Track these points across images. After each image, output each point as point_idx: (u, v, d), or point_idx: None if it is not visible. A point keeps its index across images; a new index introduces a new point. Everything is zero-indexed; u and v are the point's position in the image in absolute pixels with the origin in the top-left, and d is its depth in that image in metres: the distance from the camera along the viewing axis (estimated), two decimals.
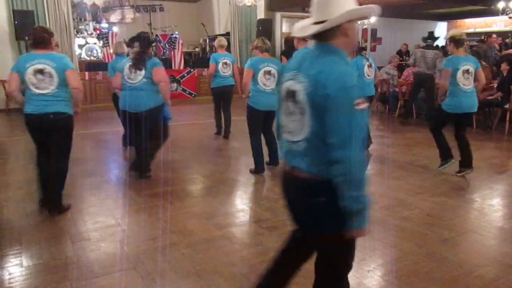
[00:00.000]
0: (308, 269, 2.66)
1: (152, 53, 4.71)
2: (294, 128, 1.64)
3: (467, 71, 4.37)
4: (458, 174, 4.58)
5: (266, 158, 4.83)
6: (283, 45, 12.99)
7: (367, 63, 5.77)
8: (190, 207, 3.78)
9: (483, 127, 7.13)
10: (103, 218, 3.53)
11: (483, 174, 4.74)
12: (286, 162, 1.74)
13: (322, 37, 1.62)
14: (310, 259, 1.85)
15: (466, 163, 4.58)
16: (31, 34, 3.57)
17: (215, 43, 6.80)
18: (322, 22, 1.59)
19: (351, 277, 2.61)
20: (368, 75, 5.77)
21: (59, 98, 3.45)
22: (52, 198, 3.57)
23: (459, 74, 4.36)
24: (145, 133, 4.28)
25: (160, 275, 2.62)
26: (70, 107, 3.55)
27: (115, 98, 5.67)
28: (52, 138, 3.49)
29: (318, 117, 1.54)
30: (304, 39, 5.23)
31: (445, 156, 4.71)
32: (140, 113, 4.22)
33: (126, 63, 4.32)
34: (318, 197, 1.61)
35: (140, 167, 4.49)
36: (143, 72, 4.20)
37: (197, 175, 4.76)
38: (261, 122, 4.70)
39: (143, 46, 4.25)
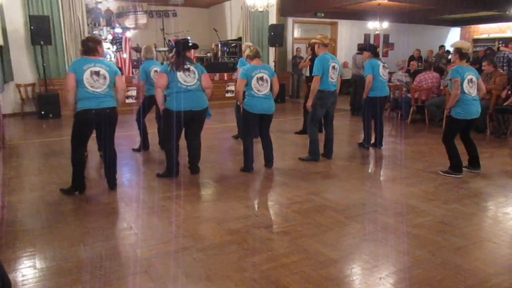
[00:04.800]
0: (319, 275, 2.65)
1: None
2: None
3: (470, 80, 4.63)
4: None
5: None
6: (294, 50, 13.02)
7: (382, 64, 6.07)
8: (201, 212, 3.79)
9: (497, 134, 7.04)
10: (115, 222, 3.56)
11: (498, 181, 4.67)
12: None
13: None
14: None
15: (476, 164, 4.90)
16: (82, 44, 4.19)
17: (243, 48, 6.59)
18: None
19: (362, 284, 2.60)
20: (384, 75, 6.06)
21: (110, 96, 4.11)
22: (111, 176, 4.33)
23: (465, 83, 4.60)
24: (199, 130, 4.81)
25: (172, 279, 2.63)
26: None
27: (146, 101, 5.81)
28: (106, 129, 4.14)
29: None
30: (324, 45, 5.33)
31: (456, 167, 4.81)
32: (201, 111, 4.60)
33: (168, 67, 4.49)
34: None
35: (195, 166, 4.94)
36: (197, 75, 4.53)
37: (208, 179, 4.78)
38: (255, 125, 4.95)
39: (177, 51, 4.53)
